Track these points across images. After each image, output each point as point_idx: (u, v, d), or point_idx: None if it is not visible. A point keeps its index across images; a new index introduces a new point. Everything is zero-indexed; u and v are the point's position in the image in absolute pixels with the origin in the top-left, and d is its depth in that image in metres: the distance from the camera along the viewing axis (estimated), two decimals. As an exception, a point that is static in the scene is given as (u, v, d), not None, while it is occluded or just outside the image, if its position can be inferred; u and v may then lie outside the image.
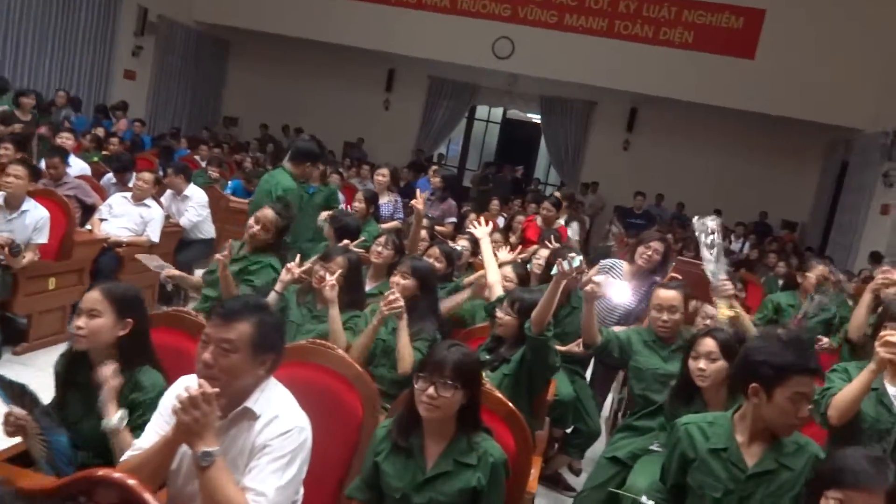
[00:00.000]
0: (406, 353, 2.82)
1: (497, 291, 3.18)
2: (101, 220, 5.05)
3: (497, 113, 14.96)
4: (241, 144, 12.56)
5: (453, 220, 5.96)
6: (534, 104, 13.66)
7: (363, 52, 12.61)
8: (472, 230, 3.64)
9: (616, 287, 2.79)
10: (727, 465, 2.02)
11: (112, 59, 11.84)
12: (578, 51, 11.53)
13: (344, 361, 2.25)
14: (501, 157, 14.54)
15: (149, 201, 5.12)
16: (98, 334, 2.05)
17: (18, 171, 3.96)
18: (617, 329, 3.49)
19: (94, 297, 2.08)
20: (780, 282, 8.04)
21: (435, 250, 3.96)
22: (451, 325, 3.51)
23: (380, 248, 3.70)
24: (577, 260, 2.54)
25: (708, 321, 3.42)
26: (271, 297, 3.06)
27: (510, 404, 2.21)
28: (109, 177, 5.87)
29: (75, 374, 2.14)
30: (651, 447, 2.68)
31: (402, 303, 2.77)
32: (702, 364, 2.52)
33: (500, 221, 7.95)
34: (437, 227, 5.47)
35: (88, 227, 5.04)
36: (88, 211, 5.25)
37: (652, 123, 13.05)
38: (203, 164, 8.43)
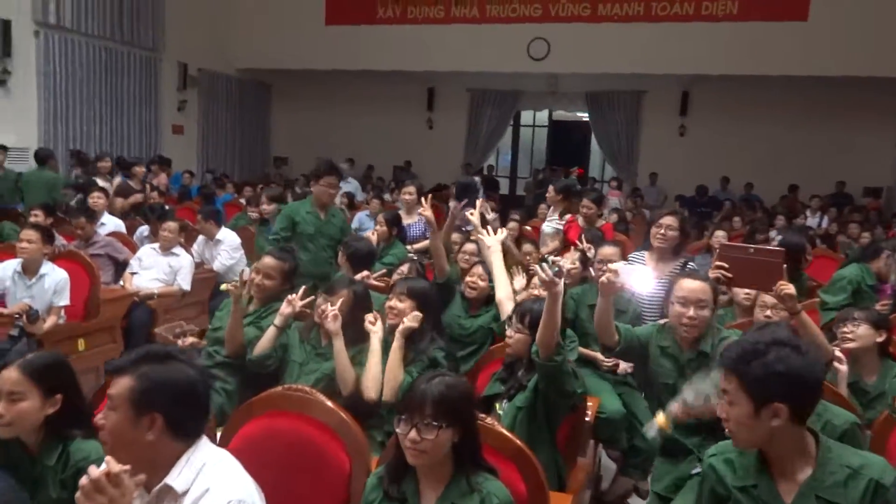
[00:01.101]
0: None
1: (507, 309, 2.82)
2: (133, 273, 5.00)
3: (543, 116, 14.59)
4: (289, 182, 12.63)
5: (494, 217, 5.61)
6: (580, 102, 13.22)
7: (401, 74, 12.54)
8: (482, 237, 3.23)
9: (637, 275, 2.33)
10: None
11: (159, 117, 12.14)
12: (617, 40, 11.05)
13: (324, 408, 1.98)
14: (553, 160, 14.14)
15: (177, 250, 5.04)
16: (23, 420, 1.83)
17: (31, 236, 3.91)
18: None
19: (12, 377, 1.84)
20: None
21: (478, 269, 3.75)
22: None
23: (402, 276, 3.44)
24: (554, 267, 2.20)
25: (769, 312, 2.98)
26: (270, 332, 2.84)
27: (517, 441, 1.87)
28: (142, 230, 5.85)
29: (9, 457, 1.91)
30: (693, 472, 2.27)
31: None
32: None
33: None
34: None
35: (122, 283, 5.00)
36: (121, 268, 5.21)
37: (707, 104, 12.39)
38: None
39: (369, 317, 2.65)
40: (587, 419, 2.67)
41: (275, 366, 2.85)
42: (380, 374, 2.58)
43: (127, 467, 1.35)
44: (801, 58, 10.12)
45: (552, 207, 5.66)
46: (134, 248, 5.39)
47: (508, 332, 2.49)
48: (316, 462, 1.92)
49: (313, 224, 4.37)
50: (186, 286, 4.98)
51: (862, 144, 11.58)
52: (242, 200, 9.11)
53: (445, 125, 13.88)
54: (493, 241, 3.19)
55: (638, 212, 10.18)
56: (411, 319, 2.56)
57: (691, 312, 2.41)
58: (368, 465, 1.92)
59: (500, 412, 2.40)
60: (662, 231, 3.41)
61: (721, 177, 12.04)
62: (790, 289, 2.49)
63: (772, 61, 10.32)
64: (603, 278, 2.28)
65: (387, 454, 1.86)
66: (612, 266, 2.27)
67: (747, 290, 3.28)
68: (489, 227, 3.23)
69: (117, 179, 7.79)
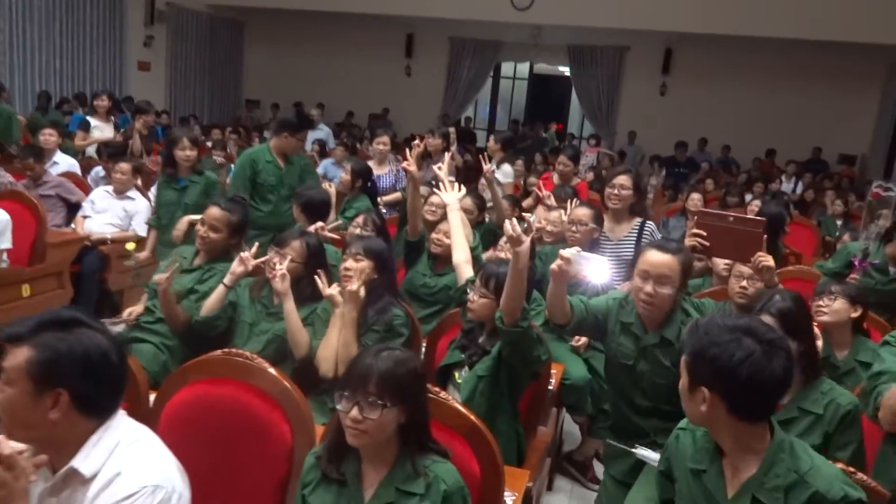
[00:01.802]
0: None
1: (466, 273, 2.64)
2: (85, 216, 4.75)
3: (524, 69, 14.27)
4: (259, 126, 12.26)
5: (451, 179, 5.39)
6: (561, 55, 12.92)
7: (379, 18, 12.10)
8: (440, 194, 2.99)
9: (592, 264, 2.01)
10: (705, 492, 1.54)
11: (124, 53, 11.60)
12: (602, -7, 10.74)
13: (266, 375, 1.82)
14: (532, 114, 13.89)
15: (133, 193, 4.79)
16: None
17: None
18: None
19: None
20: (839, 222, 7.38)
21: (445, 224, 3.60)
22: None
23: (357, 230, 3.26)
24: (523, 223, 2.03)
25: (744, 283, 2.87)
26: (218, 292, 2.66)
27: (471, 417, 1.73)
28: (97, 171, 5.56)
29: None
30: (640, 455, 2.10)
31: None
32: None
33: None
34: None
35: (73, 226, 4.76)
36: (74, 210, 4.96)
37: (689, 64, 12.18)
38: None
39: (333, 287, 2.43)
40: (550, 387, 2.55)
41: (224, 327, 2.68)
42: (335, 349, 2.39)
43: (23, 447, 1.19)
44: (787, 20, 9.91)
45: (493, 159, 5.48)
46: (87, 190, 5.12)
47: (471, 296, 2.29)
48: (256, 433, 1.77)
49: (274, 174, 4.12)
50: (142, 231, 4.73)
51: (841, 111, 11.51)
52: (209, 144, 8.77)
53: (424, 73, 13.52)
54: (451, 199, 2.92)
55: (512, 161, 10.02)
56: (357, 281, 2.34)
57: (649, 288, 2.14)
58: (313, 438, 1.78)
59: (460, 381, 2.27)
60: (616, 191, 3.28)
61: (699, 138, 11.93)
62: (769, 261, 2.37)
63: (756, 22, 10.11)
64: (554, 265, 2.07)
65: (327, 432, 1.72)
66: (564, 253, 2.05)
67: (727, 261, 3.17)
68: (446, 183, 2.98)
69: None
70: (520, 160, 8.13)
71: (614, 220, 3.38)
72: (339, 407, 1.51)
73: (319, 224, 3.28)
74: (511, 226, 2.02)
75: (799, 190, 9.35)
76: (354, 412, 1.49)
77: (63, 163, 5.54)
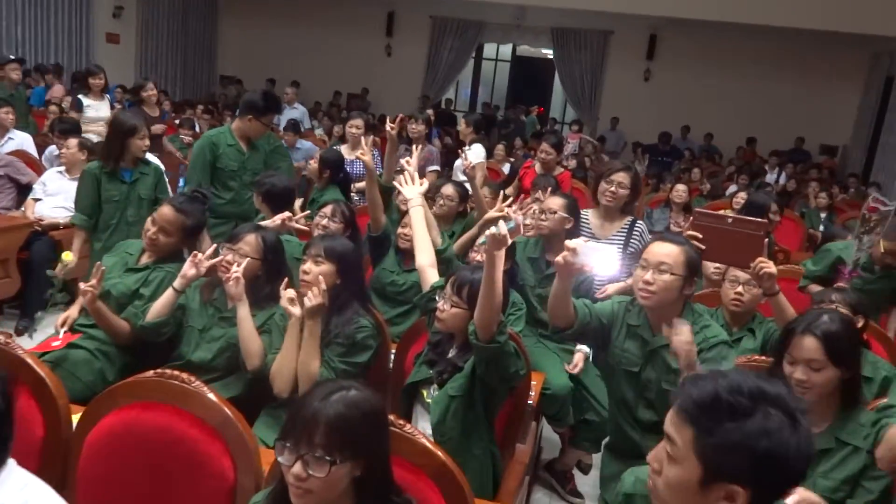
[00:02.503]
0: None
1: (431, 278, 2.37)
2: (36, 199, 4.43)
3: (506, 51, 13.98)
4: (235, 104, 11.85)
5: (435, 168, 5.12)
6: (545, 38, 12.68)
7: (359, -6, 11.75)
8: (400, 188, 2.67)
9: (600, 255, 1.84)
10: None
11: (91, 23, 11.12)
12: (589, -26, 10.47)
13: (205, 401, 1.58)
14: (514, 97, 13.64)
15: (87, 171, 4.46)
16: None
17: None
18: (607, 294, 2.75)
19: None
20: (823, 215, 7.26)
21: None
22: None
23: (325, 221, 2.99)
24: (511, 222, 1.80)
25: (739, 288, 2.67)
26: (167, 297, 2.39)
27: (440, 455, 1.50)
28: (52, 149, 5.22)
29: None
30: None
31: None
32: (800, 374, 1.79)
33: (507, 169, 7.21)
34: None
35: (24, 209, 4.44)
36: (25, 191, 4.64)
37: (674, 50, 12.01)
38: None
39: (287, 293, 2.15)
40: (530, 402, 2.34)
41: (171, 332, 2.42)
42: (293, 365, 2.14)
43: None
44: (772, 7, 9.73)
45: (464, 141, 5.27)
46: (41, 171, 4.79)
47: (440, 304, 2.04)
48: (192, 469, 1.53)
49: (236, 159, 3.79)
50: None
51: (823, 102, 11.42)
52: (177, 122, 8.41)
53: (404, 53, 13.20)
54: (412, 194, 2.61)
55: (598, 158, 9.84)
56: (316, 297, 2.08)
57: (648, 276, 2.02)
58: (259, 476, 1.54)
59: (429, 400, 2.05)
60: (613, 189, 3.07)
61: (682, 125, 11.77)
62: (770, 267, 2.17)
63: (741, 9, 9.91)
64: (559, 258, 1.88)
65: (271, 474, 1.48)
66: (570, 244, 1.85)
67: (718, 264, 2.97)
68: (408, 175, 2.67)
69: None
70: (500, 145, 7.91)
71: (604, 218, 3.18)
72: (280, 458, 1.26)
73: (287, 214, 3.01)
74: (500, 226, 1.80)
75: (782, 181, 9.23)
76: (297, 468, 1.23)
77: (18, 139, 5.20)
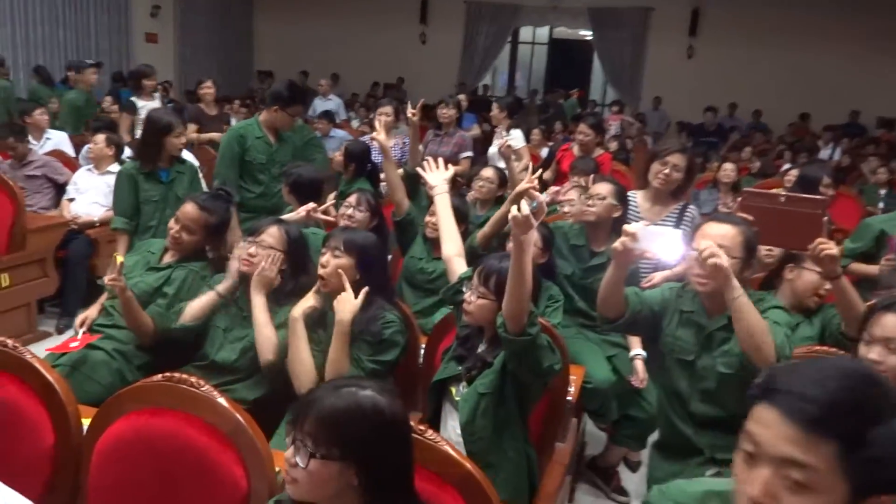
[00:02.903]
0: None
1: (459, 268, 2.21)
2: (70, 199, 4.44)
3: (543, 33, 13.69)
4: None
5: (469, 154, 4.94)
6: (582, 19, 12.34)
7: (392, -17, 11.64)
8: (423, 175, 2.52)
9: (664, 239, 1.69)
10: None
11: (130, 23, 11.26)
12: (625, -51, 10.16)
13: (216, 407, 1.48)
14: (552, 81, 13.37)
15: (115, 167, 4.43)
16: None
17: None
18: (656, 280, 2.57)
19: None
20: (882, 191, 6.87)
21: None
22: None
23: (350, 210, 2.88)
24: (533, 202, 1.65)
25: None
26: (207, 299, 2.30)
27: (467, 465, 1.37)
28: (87, 149, 5.23)
29: None
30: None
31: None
32: (875, 354, 1.63)
33: (545, 154, 7.01)
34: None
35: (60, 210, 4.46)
36: (63, 191, 4.66)
37: (718, 24, 11.56)
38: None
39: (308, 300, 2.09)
40: (569, 397, 2.20)
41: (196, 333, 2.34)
42: (310, 361, 2.04)
43: None
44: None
45: (499, 127, 5.08)
46: (75, 169, 4.81)
47: (467, 296, 1.90)
48: (203, 477, 1.44)
49: (264, 151, 3.71)
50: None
51: (879, 72, 10.83)
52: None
53: (439, 40, 13.04)
54: (436, 180, 2.44)
55: (640, 139, 9.54)
56: (344, 303, 1.98)
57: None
58: (273, 483, 1.44)
59: (458, 398, 1.92)
60: (667, 171, 2.84)
61: (729, 103, 11.35)
62: (832, 248, 1.97)
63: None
64: (616, 244, 1.74)
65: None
66: (629, 228, 1.70)
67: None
68: (431, 161, 2.52)
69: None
70: (537, 129, 7.71)
71: (654, 200, 2.96)
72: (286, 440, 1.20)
73: (311, 205, 2.91)
74: (518, 206, 1.66)
75: (837, 157, 8.80)
76: (289, 451, 1.17)
77: (55, 139, 5.24)
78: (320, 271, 2.08)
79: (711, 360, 1.94)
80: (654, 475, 2.12)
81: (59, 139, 5.29)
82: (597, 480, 3.00)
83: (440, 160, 2.53)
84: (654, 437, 2.41)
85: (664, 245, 1.71)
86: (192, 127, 5.58)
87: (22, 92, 8.68)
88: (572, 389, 2.25)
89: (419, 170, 2.57)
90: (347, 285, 2.01)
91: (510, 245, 2.63)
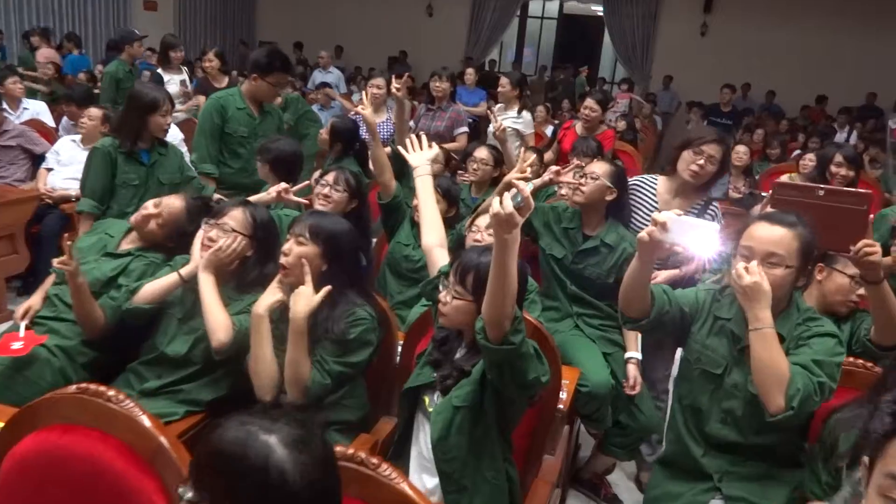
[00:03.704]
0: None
1: (441, 261, 1.97)
2: (48, 169, 4.22)
3: (553, 8, 13.31)
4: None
5: (464, 129, 4.69)
6: (594, -7, 11.99)
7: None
8: (404, 153, 2.25)
9: (699, 232, 1.47)
10: None
11: (127, -11, 10.98)
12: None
13: (136, 426, 1.25)
14: (562, 57, 13.01)
15: (104, 145, 4.22)
16: None
17: None
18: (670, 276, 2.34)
19: None
20: (900, 178, 6.60)
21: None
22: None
23: (326, 189, 2.64)
24: (517, 196, 1.40)
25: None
26: (169, 281, 2.09)
27: None
28: (82, 122, 5.01)
29: None
30: None
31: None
32: None
33: (550, 132, 6.75)
34: (447, 145, 4.31)
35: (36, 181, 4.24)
36: (39, 163, 4.44)
37: (732, 1, 11.16)
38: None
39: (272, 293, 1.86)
40: (560, 406, 1.98)
41: (149, 318, 2.11)
42: (273, 363, 1.81)
43: None
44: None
45: (507, 104, 4.80)
46: (54, 141, 4.58)
47: (442, 294, 1.66)
48: (117, 506, 1.24)
49: (246, 123, 3.47)
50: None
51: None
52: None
53: (446, 13, 12.72)
54: (419, 161, 2.21)
55: (650, 119, 9.24)
56: (300, 298, 1.75)
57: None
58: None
59: (430, 409, 1.70)
60: (702, 161, 2.52)
61: (742, 83, 11.00)
62: (876, 250, 1.72)
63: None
64: (642, 234, 1.53)
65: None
66: (660, 217, 1.48)
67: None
68: (413, 139, 2.27)
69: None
70: (541, 106, 7.43)
71: (678, 191, 2.65)
72: None
73: (284, 185, 2.66)
74: (501, 201, 1.41)
75: (852, 141, 8.50)
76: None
77: (32, 108, 5.01)
78: (281, 260, 1.84)
79: (743, 378, 1.71)
80: (651, 493, 1.91)
81: (38, 108, 5.06)
82: (586, 492, 2.79)
83: (423, 137, 2.28)
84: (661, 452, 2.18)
85: (698, 239, 1.48)
86: (200, 98, 5.29)
87: (14, 59, 8.46)
88: (564, 396, 2.04)
89: (400, 148, 2.32)
90: (308, 278, 1.78)
91: (470, 235, 2.39)
